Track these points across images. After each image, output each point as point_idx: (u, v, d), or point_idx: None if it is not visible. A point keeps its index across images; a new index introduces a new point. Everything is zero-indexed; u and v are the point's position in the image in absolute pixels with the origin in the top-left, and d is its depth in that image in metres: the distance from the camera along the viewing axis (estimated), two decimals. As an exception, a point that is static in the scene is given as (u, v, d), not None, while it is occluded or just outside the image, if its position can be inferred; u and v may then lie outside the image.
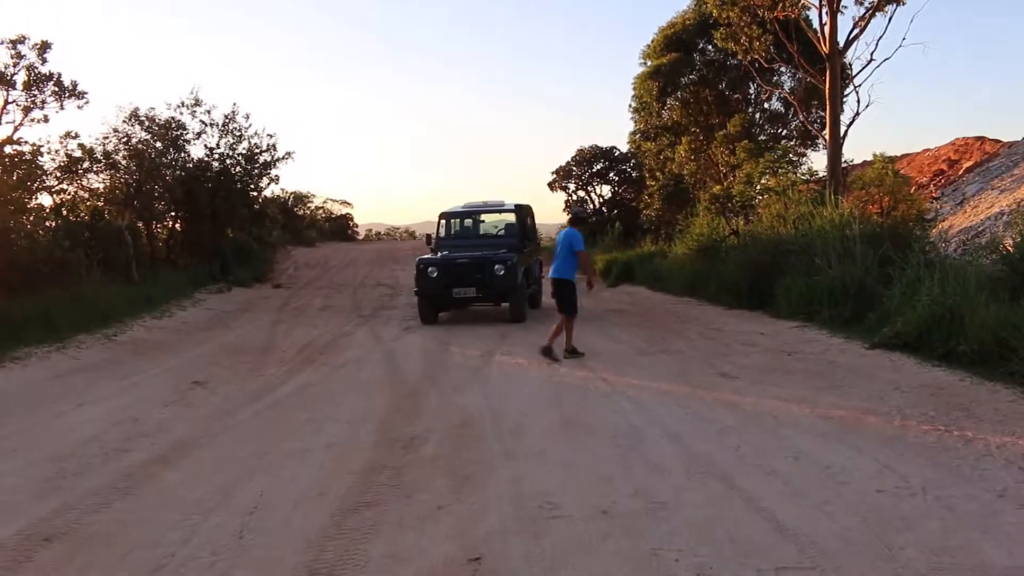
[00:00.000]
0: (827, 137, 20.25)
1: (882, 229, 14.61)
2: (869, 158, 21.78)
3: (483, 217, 17.52)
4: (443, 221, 16.72)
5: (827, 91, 19.86)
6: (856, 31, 19.76)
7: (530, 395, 8.48)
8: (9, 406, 8.49)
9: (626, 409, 7.62)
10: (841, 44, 19.69)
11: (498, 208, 17.25)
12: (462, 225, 17.08)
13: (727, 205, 21.37)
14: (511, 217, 16.89)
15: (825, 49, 19.72)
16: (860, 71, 19.59)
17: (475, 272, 14.61)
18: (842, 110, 19.83)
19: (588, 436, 6.70)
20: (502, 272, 14.52)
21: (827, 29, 19.65)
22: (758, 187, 22.15)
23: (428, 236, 17.00)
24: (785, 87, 25.94)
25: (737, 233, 19.43)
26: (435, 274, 14.62)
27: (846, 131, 19.97)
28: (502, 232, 16.89)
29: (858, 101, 19.66)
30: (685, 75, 28.27)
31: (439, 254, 15.43)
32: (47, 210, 19.17)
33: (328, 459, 6.20)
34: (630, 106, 31.13)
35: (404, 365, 10.61)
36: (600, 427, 6.97)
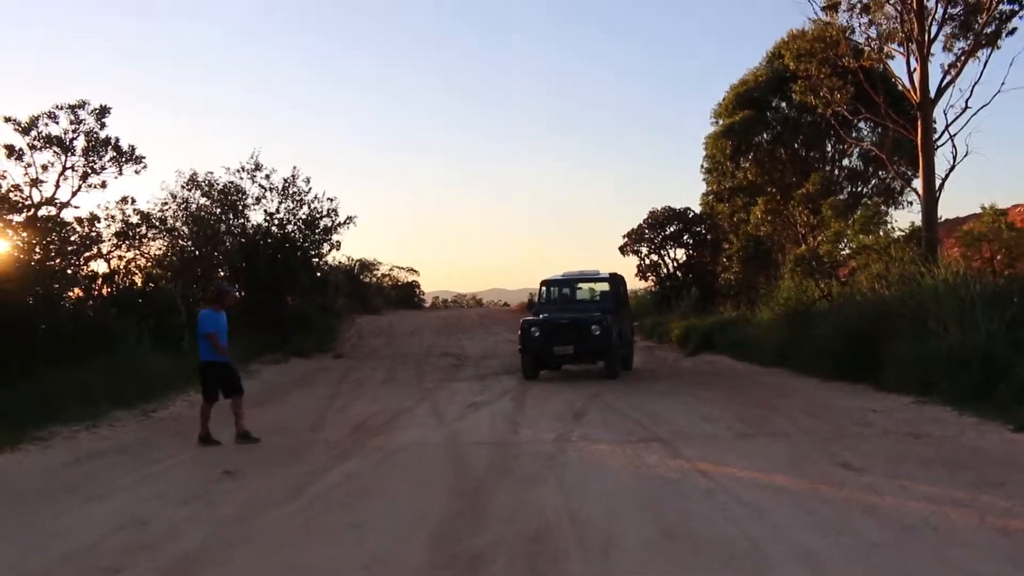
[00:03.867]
0: (920, 191, 18.75)
1: (1000, 288, 12.99)
2: (960, 213, 20.17)
3: (580, 284, 18.91)
4: (544, 288, 18.28)
5: (919, 142, 18.42)
6: (947, 79, 18.37)
7: (617, 492, 7.02)
8: (9, 501, 7.33)
9: (738, 514, 6.13)
10: (932, 92, 18.31)
11: (593, 277, 18.67)
12: (560, 292, 18.40)
13: (814, 266, 19.80)
14: (605, 285, 18.28)
15: (916, 98, 18.33)
16: (955, 120, 18.11)
17: (573, 332, 15.90)
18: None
19: (697, 555, 5.23)
20: (598, 332, 15.69)
21: (917, 77, 18.28)
22: (847, 246, 20.65)
23: (530, 300, 19.76)
24: (865, 142, 24.58)
25: (830, 296, 17.82)
26: (537, 333, 16.05)
27: (942, 184, 18.47)
28: (597, 298, 18.29)
29: (954, 152, 18.17)
30: (759, 133, 27.16)
31: (540, 316, 16.70)
32: (100, 277, 18.48)
33: (365, 588, 4.87)
34: (702, 167, 30.05)
35: (468, 451, 9.20)
36: (710, 541, 5.49)
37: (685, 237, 31.54)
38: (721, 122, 27.94)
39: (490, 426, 10.96)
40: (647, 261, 32.05)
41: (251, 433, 10.27)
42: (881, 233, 18.46)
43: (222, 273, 23.32)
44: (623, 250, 32.39)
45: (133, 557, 5.55)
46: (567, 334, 15.96)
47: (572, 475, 7.78)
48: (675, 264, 31.77)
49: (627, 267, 33.97)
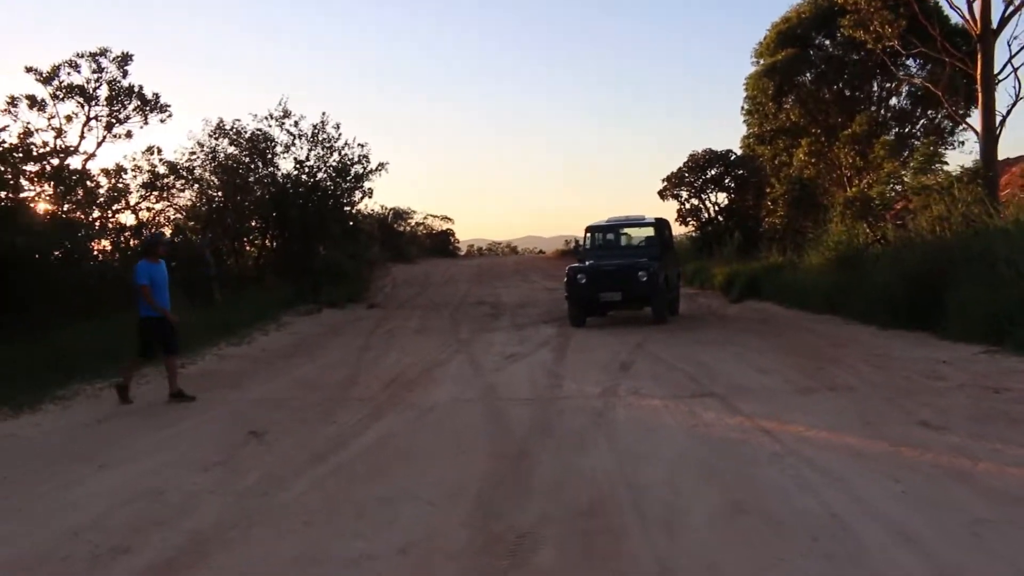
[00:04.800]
0: (979, 129, 17.75)
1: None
2: (1010, 155, 19.22)
3: (625, 230, 18.79)
4: (589, 234, 18.00)
5: (979, 77, 17.35)
6: (1011, 8, 17.26)
7: (675, 456, 6.37)
8: (20, 467, 6.84)
9: (814, 482, 5.46)
10: (995, 23, 17.23)
11: (639, 222, 18.42)
12: (605, 237, 18.19)
13: (867, 209, 18.89)
14: (650, 230, 17.98)
15: (976, 29, 17.26)
16: (1019, 51, 17.08)
17: (620, 278, 15.76)
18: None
19: (775, 534, 4.59)
20: (645, 278, 15.54)
21: (977, 7, 17.20)
22: (893, 188, 19.76)
23: (576, 247, 19.35)
24: (917, 79, 23.47)
25: (884, 240, 16.93)
26: (584, 280, 15.93)
27: (1003, 120, 17.48)
28: (643, 243, 18.07)
29: (1017, 86, 17.18)
30: (801, 73, 26.14)
31: (586, 263, 16.51)
32: (128, 229, 18.07)
33: (398, 575, 4.28)
34: (742, 108, 29.15)
35: (508, 407, 8.60)
36: (787, 517, 4.84)
37: (726, 180, 30.51)
38: (762, 61, 26.99)
39: (530, 379, 10.35)
40: (687, 205, 31.08)
41: (185, 392, 9.80)
42: (941, 173, 17.51)
43: (254, 223, 22.91)
44: (662, 194, 31.45)
45: (144, 534, 5.02)
46: (614, 280, 15.82)
47: (623, 435, 7.15)
48: (716, 208, 30.79)
49: (667, 212, 33.18)
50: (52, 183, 14.88)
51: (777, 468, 5.88)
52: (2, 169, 12.53)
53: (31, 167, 14.04)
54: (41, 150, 15.22)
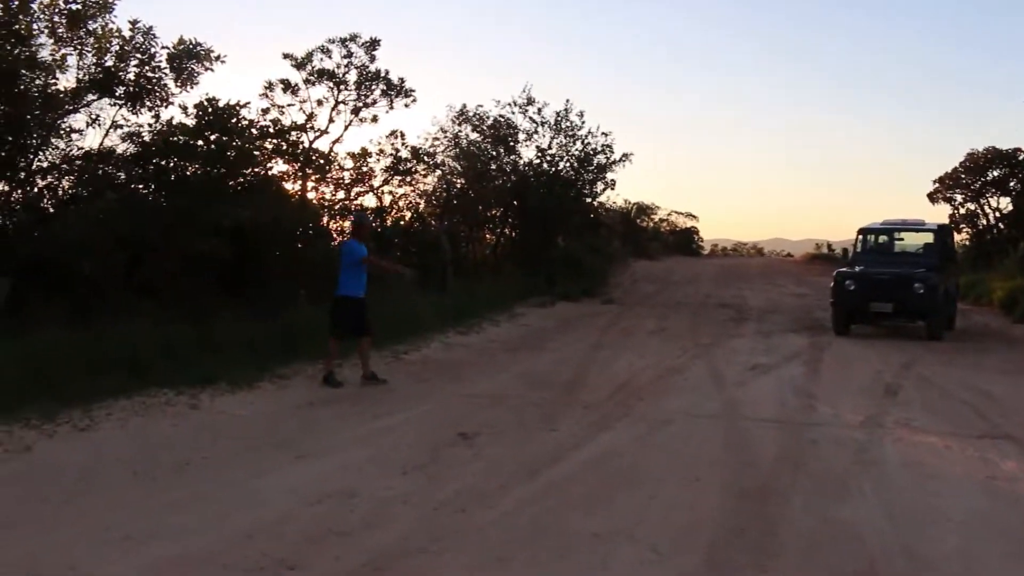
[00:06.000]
0: None
1: None
2: None
3: (901, 234, 17.21)
4: (861, 236, 16.83)
5: None
6: None
7: (968, 518, 5.00)
8: (219, 449, 6.50)
9: None
10: None
11: (918, 227, 16.98)
12: (878, 241, 16.88)
13: None
14: (931, 237, 16.59)
15: None
16: None
17: (894, 288, 14.61)
18: None
19: None
20: (922, 290, 14.34)
21: None
22: None
23: (844, 250, 17.86)
24: None
25: None
26: (853, 287, 14.89)
27: None
28: (920, 251, 16.61)
29: None
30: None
31: (856, 268, 15.53)
32: (370, 211, 18.22)
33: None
34: (1036, 100, 25.86)
35: (751, 430, 7.43)
36: None
37: (1012, 184, 27.27)
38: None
39: (777, 397, 9.08)
40: (962, 210, 28.13)
41: (377, 375, 9.59)
42: None
43: (494, 211, 22.71)
44: (932, 197, 28.66)
45: (319, 548, 4.39)
46: (886, 290, 14.60)
47: (894, 481, 5.83)
48: (997, 215, 27.61)
49: (937, 217, 30.23)
50: (296, 162, 15.07)
51: (1119, 552, 4.45)
52: (239, 143, 12.63)
53: (268, 144, 14.18)
54: (279, 128, 15.42)
